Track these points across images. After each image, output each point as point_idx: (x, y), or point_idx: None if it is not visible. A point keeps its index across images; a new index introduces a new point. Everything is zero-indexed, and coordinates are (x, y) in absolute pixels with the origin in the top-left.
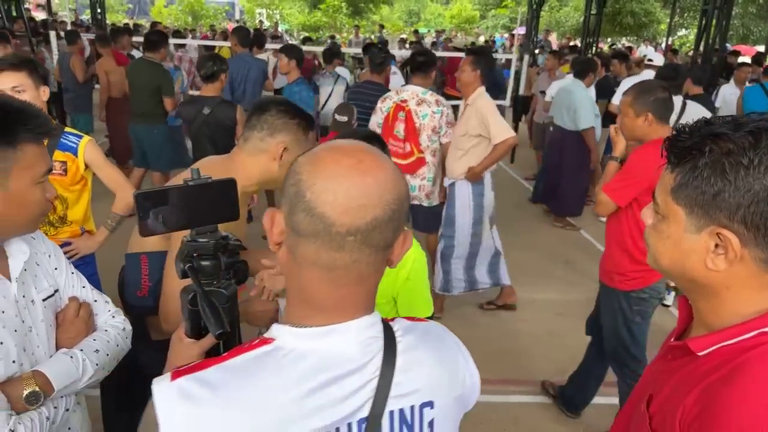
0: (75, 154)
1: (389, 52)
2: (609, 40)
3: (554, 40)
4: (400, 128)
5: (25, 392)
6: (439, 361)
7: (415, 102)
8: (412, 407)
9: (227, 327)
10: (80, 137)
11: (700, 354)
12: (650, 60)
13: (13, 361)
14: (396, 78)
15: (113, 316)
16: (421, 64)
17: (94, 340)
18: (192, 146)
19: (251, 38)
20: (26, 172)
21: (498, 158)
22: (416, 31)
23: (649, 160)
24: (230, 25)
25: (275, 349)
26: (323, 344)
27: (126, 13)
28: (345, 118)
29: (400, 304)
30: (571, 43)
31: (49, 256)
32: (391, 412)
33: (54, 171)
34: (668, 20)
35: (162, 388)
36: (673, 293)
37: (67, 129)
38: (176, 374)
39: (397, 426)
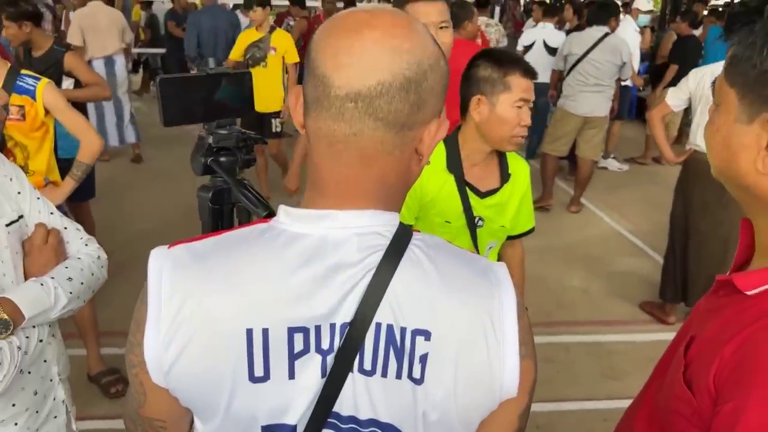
0: (33, 97)
1: None
2: None
3: None
4: None
5: None
6: (461, 295)
7: None
8: (403, 329)
9: (272, 209)
10: (38, 79)
11: (748, 293)
12: None
13: None
14: None
15: (86, 244)
16: None
17: (66, 267)
18: None
19: None
20: None
21: None
22: None
23: None
24: None
25: (269, 228)
26: (316, 229)
27: None
28: None
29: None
30: None
31: (11, 179)
32: (378, 325)
33: (11, 116)
34: None
35: (159, 254)
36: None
37: (24, 71)
38: (173, 244)
39: (383, 342)
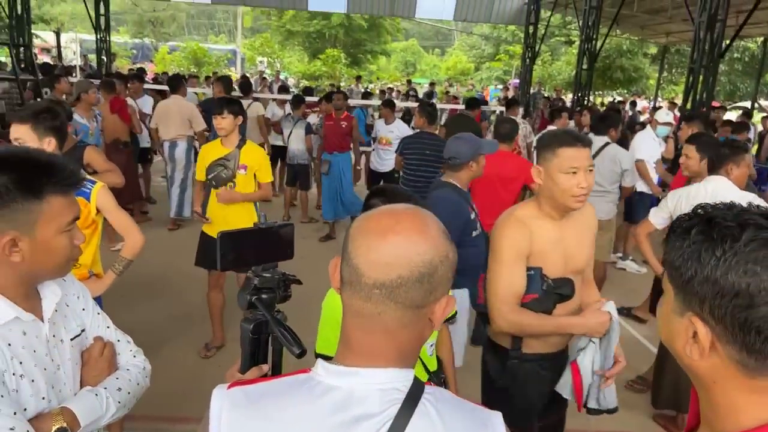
0: (88, 199)
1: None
2: (600, 93)
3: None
4: None
5: (54, 428)
6: None
7: None
8: None
9: (304, 346)
10: (93, 183)
11: None
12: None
13: (43, 398)
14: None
15: (134, 356)
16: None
17: (117, 378)
18: None
19: (239, 86)
20: (52, 222)
21: None
22: (409, 81)
23: None
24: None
25: (308, 378)
26: (347, 383)
27: (130, 58)
28: None
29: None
30: (561, 96)
31: (78, 297)
32: None
33: None
34: (657, 75)
35: (220, 394)
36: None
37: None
38: (233, 385)
39: None
